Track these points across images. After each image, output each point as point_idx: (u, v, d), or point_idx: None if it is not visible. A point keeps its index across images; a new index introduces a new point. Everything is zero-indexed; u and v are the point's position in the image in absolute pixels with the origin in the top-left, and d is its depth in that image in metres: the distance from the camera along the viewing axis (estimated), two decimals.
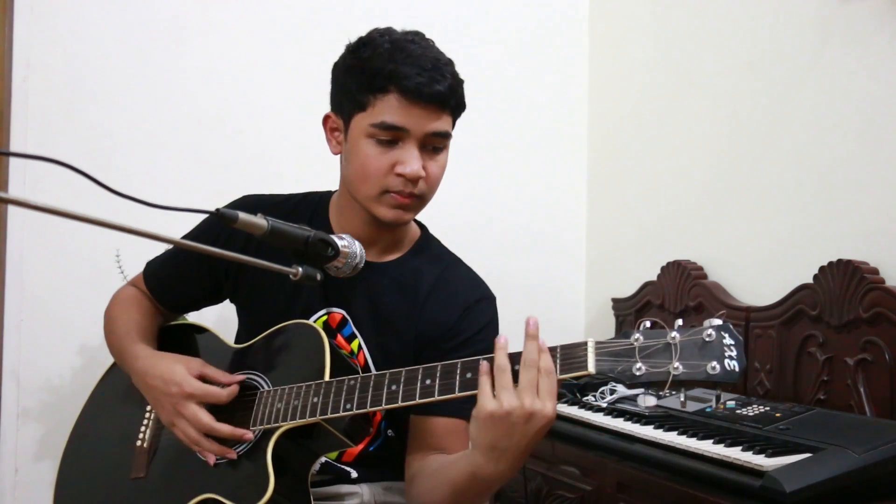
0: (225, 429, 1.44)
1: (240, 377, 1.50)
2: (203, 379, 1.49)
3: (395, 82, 1.45)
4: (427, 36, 1.55)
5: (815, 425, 1.77)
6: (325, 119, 1.59)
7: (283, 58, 2.61)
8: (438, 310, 1.58)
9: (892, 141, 1.99)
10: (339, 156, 1.59)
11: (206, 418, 1.44)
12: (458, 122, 1.57)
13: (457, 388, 1.29)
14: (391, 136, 1.47)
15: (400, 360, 1.55)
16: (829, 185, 2.14)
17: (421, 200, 1.53)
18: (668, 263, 2.55)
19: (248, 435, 1.43)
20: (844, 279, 1.96)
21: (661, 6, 2.76)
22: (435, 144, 1.51)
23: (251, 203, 1.64)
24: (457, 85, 1.51)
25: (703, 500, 1.66)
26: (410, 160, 1.47)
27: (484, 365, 1.25)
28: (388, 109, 1.46)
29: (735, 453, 1.65)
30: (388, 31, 1.52)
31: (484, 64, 2.83)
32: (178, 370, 1.49)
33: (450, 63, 1.52)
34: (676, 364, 1.17)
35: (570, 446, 2.09)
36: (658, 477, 1.80)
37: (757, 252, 2.35)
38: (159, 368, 1.51)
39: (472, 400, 1.27)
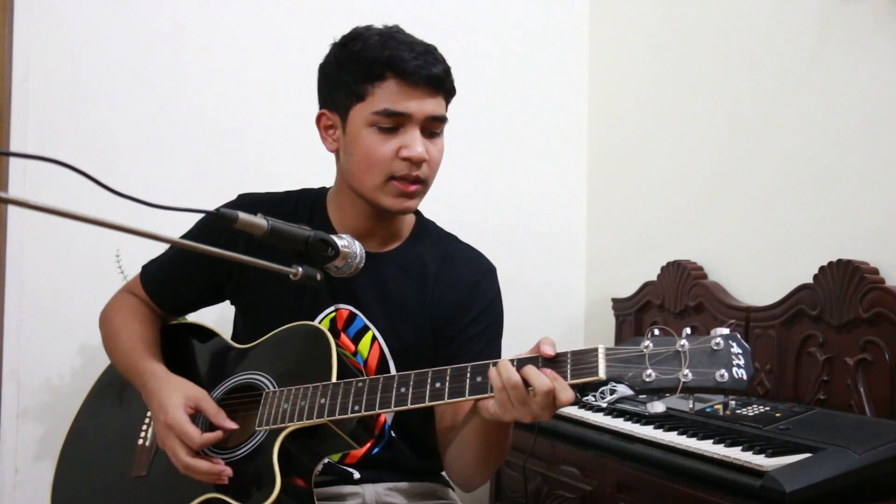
0: (202, 465, 1.42)
1: (231, 425, 1.47)
2: (198, 411, 1.48)
3: (393, 67, 1.48)
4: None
5: (815, 425, 1.77)
6: (319, 118, 1.60)
7: (284, 57, 2.61)
8: (448, 289, 1.61)
9: (892, 141, 1.99)
10: (334, 153, 1.60)
11: (183, 454, 1.43)
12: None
13: (467, 392, 1.30)
14: (393, 123, 1.50)
15: (417, 345, 1.58)
16: (829, 185, 2.14)
17: (424, 186, 1.55)
18: (668, 263, 2.55)
19: (228, 471, 1.41)
20: (844, 279, 1.96)
21: (661, 6, 2.76)
22: (433, 129, 1.54)
23: (248, 202, 1.64)
24: (448, 69, 1.55)
25: (703, 500, 1.66)
26: (414, 143, 1.50)
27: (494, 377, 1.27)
28: (388, 96, 1.49)
29: (735, 453, 1.65)
30: (371, 26, 1.56)
31: (484, 64, 2.83)
32: (173, 400, 1.47)
33: (437, 49, 1.55)
34: (686, 371, 1.19)
35: (570, 446, 2.09)
36: (658, 477, 1.80)
37: (757, 252, 2.35)
38: (161, 393, 1.50)
39: None
